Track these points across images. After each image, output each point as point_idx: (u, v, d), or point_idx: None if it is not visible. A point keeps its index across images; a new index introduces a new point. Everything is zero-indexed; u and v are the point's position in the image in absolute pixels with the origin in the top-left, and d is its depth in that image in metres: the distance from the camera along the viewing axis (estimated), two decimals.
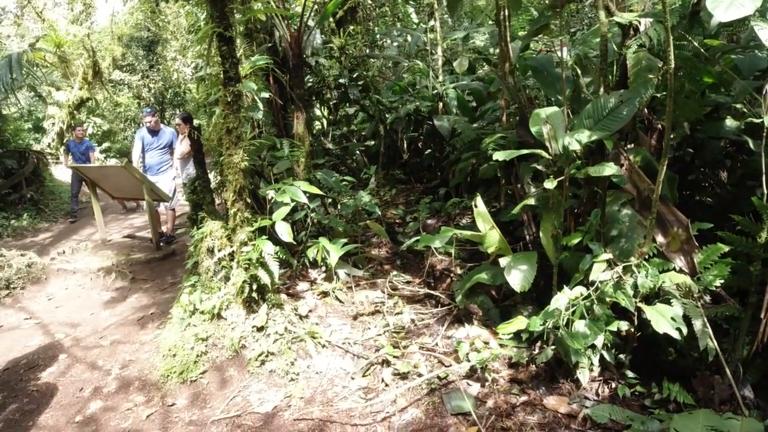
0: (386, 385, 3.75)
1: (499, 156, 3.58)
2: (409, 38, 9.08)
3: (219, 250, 4.20)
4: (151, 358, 4.50)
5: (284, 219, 4.21)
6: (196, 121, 7.85)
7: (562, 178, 3.59)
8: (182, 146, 7.56)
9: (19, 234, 10.03)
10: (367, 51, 8.83)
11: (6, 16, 18.62)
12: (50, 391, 4.41)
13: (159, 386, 4.12)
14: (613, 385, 3.45)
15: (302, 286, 4.82)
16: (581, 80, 4.69)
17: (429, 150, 7.64)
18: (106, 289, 6.55)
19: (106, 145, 17.54)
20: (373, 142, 8.25)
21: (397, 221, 6.10)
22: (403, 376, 3.78)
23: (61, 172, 13.33)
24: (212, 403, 3.84)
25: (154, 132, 7.87)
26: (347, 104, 8.43)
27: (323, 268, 4.93)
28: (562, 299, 3.43)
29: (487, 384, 3.62)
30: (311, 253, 4.54)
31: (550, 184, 3.44)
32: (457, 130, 6.19)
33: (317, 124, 9.11)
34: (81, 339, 5.25)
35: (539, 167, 3.91)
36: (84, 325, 5.58)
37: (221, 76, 4.95)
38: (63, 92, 17.29)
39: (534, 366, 3.72)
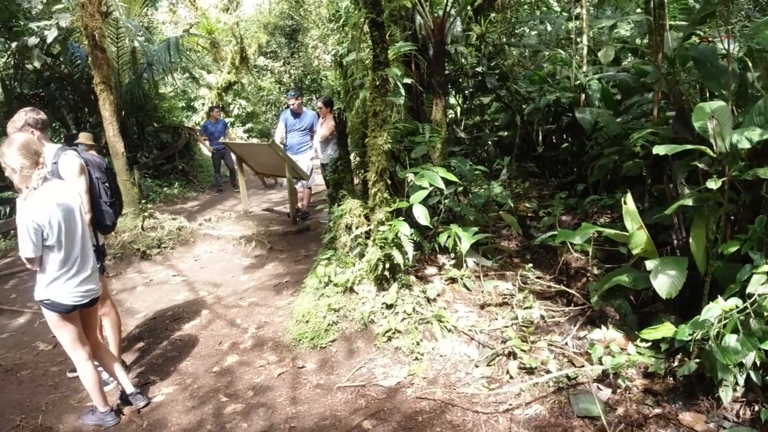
0: (511, 377, 3.68)
1: (660, 150, 3.35)
2: (549, 27, 8.76)
3: (356, 228, 4.36)
4: (285, 322, 4.78)
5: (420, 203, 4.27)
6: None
7: (725, 178, 3.29)
8: (323, 129, 7.87)
9: (169, 200, 11.11)
10: (505, 39, 8.65)
11: (161, 3, 20.43)
12: (192, 342, 4.84)
13: (290, 348, 4.37)
14: (756, 408, 3.13)
15: (430, 270, 4.87)
16: (751, 74, 4.26)
17: (566, 144, 7.34)
18: (246, 255, 7.07)
19: (249, 125, 18.80)
20: (506, 133, 8.07)
21: (529, 215, 5.95)
22: (530, 371, 3.69)
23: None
24: (339, 370, 4.01)
25: (296, 114, 8.31)
26: (482, 93, 8.32)
27: (452, 255, 4.93)
28: (714, 310, 3.14)
29: (618, 391, 3.44)
30: (442, 238, 4.56)
31: (714, 184, 3.16)
32: (599, 123, 5.88)
33: (450, 113, 9.08)
34: (222, 298, 5.71)
35: (700, 165, 3.61)
36: (225, 286, 6.06)
37: (366, 61, 5.12)
38: (213, 75, 18.75)
39: (672, 378, 3.47)
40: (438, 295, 4.39)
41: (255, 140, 16.91)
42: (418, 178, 4.19)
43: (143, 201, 8.01)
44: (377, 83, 4.04)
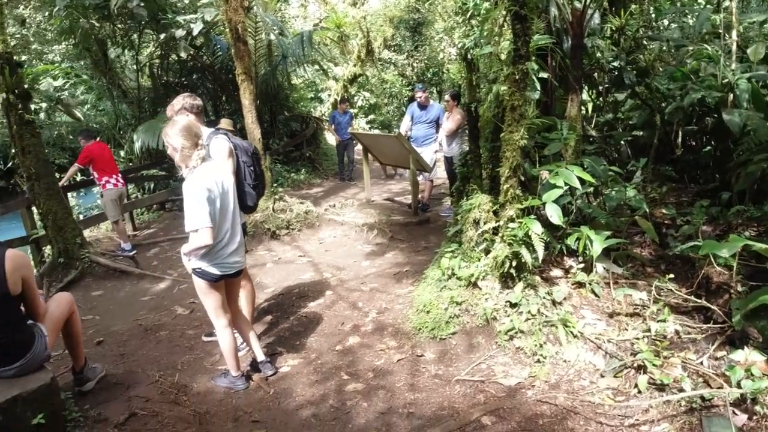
0: (639, 391, 3.51)
1: None
2: (690, 20, 8.13)
3: (484, 223, 4.34)
4: (404, 310, 4.89)
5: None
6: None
7: None
8: (449, 123, 7.86)
9: (296, 186, 11.70)
10: (642, 32, 8.13)
11: None
12: (316, 320, 5.09)
13: (410, 336, 4.46)
14: None
15: (556, 272, 4.73)
16: None
17: (708, 147, 6.79)
18: (368, 242, 7.30)
19: (371, 117, 19.30)
20: (641, 133, 7.60)
21: (665, 222, 5.58)
22: (660, 388, 3.49)
23: (332, 138, 15.02)
24: (458, 363, 4.03)
25: (423, 107, 8.40)
26: (617, 89, 7.89)
27: (580, 258, 4.76)
28: None
29: (755, 417, 3.17)
30: (571, 240, 4.41)
31: None
32: (747, 126, 5.38)
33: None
34: (345, 281, 5.94)
35: None
36: (347, 270, 6.30)
37: (501, 54, 5.06)
38: (340, 68, 19.40)
39: None
40: (564, 298, 4.26)
41: (376, 131, 17.33)
42: (553, 176, 4.09)
43: (274, 185, 8.52)
44: (517, 77, 3.97)
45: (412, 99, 21.76)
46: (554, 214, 4.00)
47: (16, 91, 6.39)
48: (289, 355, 4.48)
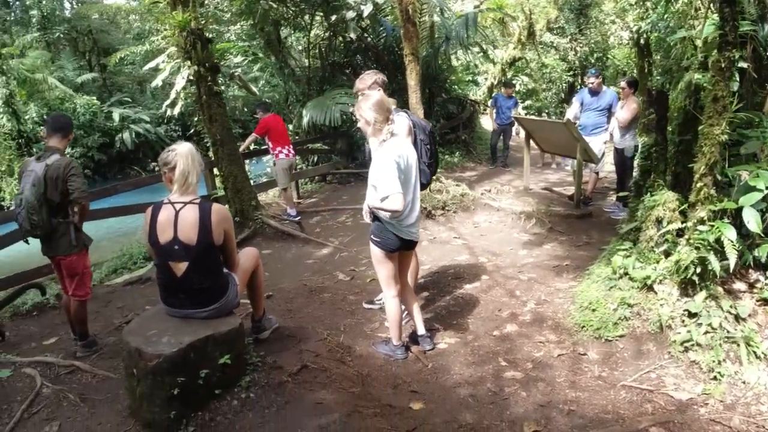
0: None
1: None
2: None
3: (668, 223, 4.06)
4: (565, 305, 4.74)
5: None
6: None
7: None
8: (624, 112, 7.32)
9: (449, 168, 11.75)
10: None
11: None
12: (472, 302, 5.11)
13: (571, 333, 4.33)
14: None
15: (739, 285, 4.28)
16: None
17: None
18: (524, 231, 7.16)
19: (528, 102, 18.74)
20: None
21: None
22: None
23: (488, 122, 14.77)
24: (623, 368, 3.85)
25: (594, 93, 7.93)
26: None
27: (767, 273, 4.28)
28: None
29: None
30: (763, 251, 3.96)
31: None
32: None
33: None
34: (501, 268, 5.89)
35: None
36: (503, 257, 6.24)
37: (697, 40, 4.64)
38: (499, 50, 19.00)
39: None
40: (749, 315, 3.87)
41: (532, 117, 16.83)
42: (753, 177, 3.69)
43: None
44: (722, 65, 3.63)
45: (572, 86, 20.72)
46: (752, 220, 3.60)
47: (206, 64, 7.10)
48: (446, 333, 4.55)
